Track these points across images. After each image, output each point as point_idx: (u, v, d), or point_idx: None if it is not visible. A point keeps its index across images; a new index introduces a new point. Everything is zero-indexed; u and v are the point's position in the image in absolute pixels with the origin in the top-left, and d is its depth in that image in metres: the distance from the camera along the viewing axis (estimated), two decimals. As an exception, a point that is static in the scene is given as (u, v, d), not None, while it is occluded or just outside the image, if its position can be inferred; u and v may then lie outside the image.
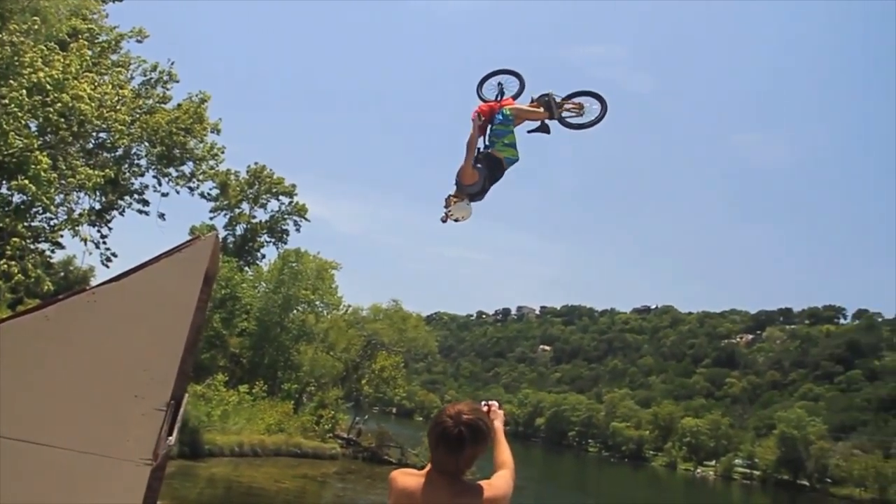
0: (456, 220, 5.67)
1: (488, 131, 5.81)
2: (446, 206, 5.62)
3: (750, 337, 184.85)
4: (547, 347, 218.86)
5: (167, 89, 31.19)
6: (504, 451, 3.14)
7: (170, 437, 3.50)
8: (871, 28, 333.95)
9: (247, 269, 48.28)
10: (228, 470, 27.82)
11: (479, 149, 5.71)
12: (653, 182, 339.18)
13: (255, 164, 51.61)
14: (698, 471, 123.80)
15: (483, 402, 3.34)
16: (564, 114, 6.05)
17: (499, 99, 6.16)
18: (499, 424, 3.27)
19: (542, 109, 6.04)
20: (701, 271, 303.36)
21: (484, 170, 5.61)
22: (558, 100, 6.05)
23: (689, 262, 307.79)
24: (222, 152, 33.23)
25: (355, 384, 48.33)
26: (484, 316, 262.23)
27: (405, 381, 56.37)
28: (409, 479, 2.90)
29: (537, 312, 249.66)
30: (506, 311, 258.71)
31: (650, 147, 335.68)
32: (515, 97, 6.20)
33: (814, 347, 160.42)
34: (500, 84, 6.31)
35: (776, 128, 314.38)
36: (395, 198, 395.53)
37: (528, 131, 6.04)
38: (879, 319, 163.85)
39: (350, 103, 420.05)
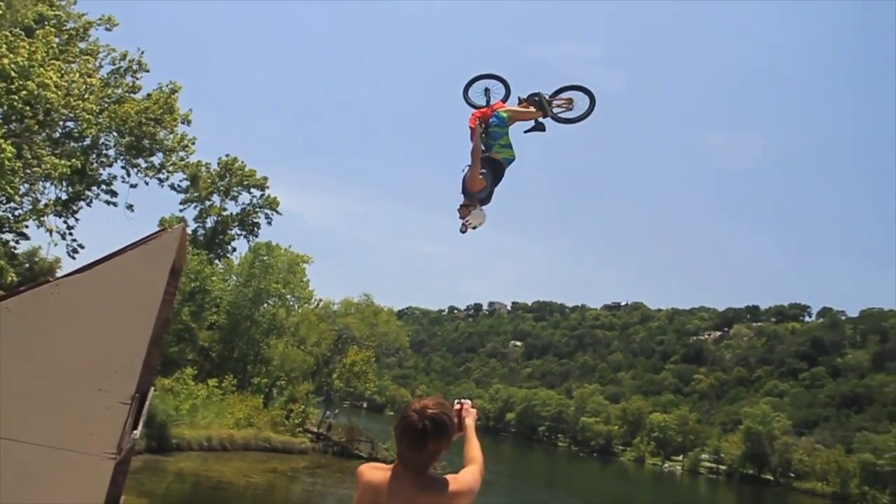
0: (474, 228, 5.75)
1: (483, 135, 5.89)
2: (462, 218, 5.70)
3: (718, 334, 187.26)
4: (518, 343, 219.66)
5: (137, 79, 30.76)
6: (474, 448, 3.18)
7: (135, 431, 3.46)
8: (840, 30, 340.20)
9: (217, 261, 47.76)
10: (197, 464, 27.57)
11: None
12: (624, 180, 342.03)
13: (227, 156, 51.05)
14: (666, 465, 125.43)
15: (456, 400, 3.40)
16: (555, 110, 6.15)
17: (489, 103, 6.24)
18: (470, 422, 3.31)
19: (533, 109, 6.12)
20: (671, 269, 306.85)
21: (488, 174, 5.70)
22: (547, 97, 6.13)
23: (660, 259, 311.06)
24: (193, 143, 32.92)
25: (326, 378, 48.14)
26: (455, 311, 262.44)
27: (376, 376, 56.34)
28: (375, 472, 2.91)
29: (508, 308, 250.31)
30: (477, 307, 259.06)
31: (622, 145, 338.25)
32: (504, 100, 6.27)
33: (779, 344, 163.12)
34: (486, 89, 6.37)
35: (746, 128, 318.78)
36: (368, 192, 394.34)
37: (525, 132, 6.14)
38: (843, 317, 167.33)
39: (322, 97, 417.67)
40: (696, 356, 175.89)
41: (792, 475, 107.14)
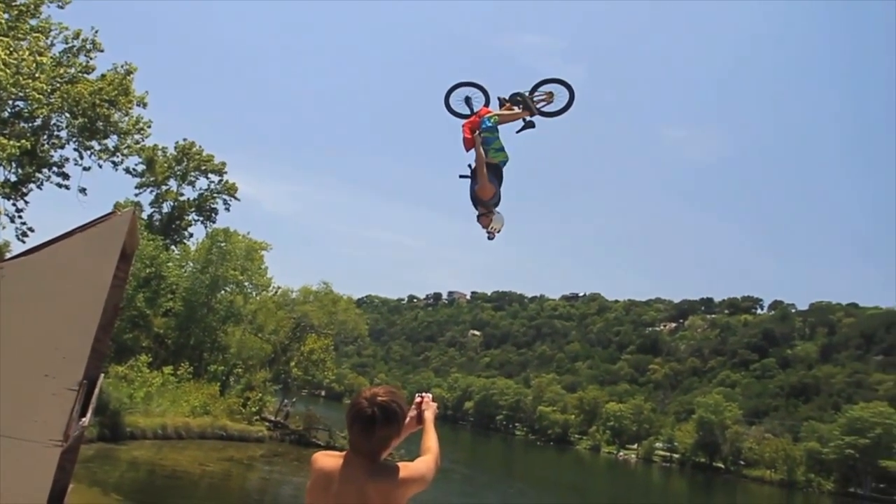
0: (498, 232, 5.92)
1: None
2: (485, 227, 5.85)
3: (673, 325, 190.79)
4: (477, 332, 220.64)
5: (90, 58, 29.79)
6: (430, 439, 3.24)
7: (83, 419, 3.39)
8: (802, 25, 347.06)
9: (173, 247, 47.01)
10: (151, 453, 27.20)
11: (470, 165, 5.90)
12: (584, 172, 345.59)
13: (184, 140, 50.20)
14: (621, 454, 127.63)
15: (417, 394, 3.53)
16: (538, 105, 6.23)
17: (473, 111, 6.31)
18: (429, 415, 3.42)
19: (518, 109, 6.21)
20: (628, 261, 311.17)
21: (494, 179, 5.80)
22: (527, 94, 6.22)
23: (617, 251, 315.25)
24: (149, 127, 32.16)
25: (284, 366, 47.81)
26: (415, 300, 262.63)
27: (334, 364, 56.09)
28: (328, 460, 2.95)
29: (468, 298, 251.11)
30: (437, 296, 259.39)
31: (581, 137, 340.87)
32: (485, 106, 6.34)
33: (732, 336, 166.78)
34: (467, 97, 6.43)
35: (706, 123, 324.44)
36: (328, 180, 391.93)
37: (517, 132, 6.20)
38: (793, 310, 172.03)
39: (282, 82, 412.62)
40: (652, 347, 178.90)
41: (742, 463, 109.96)
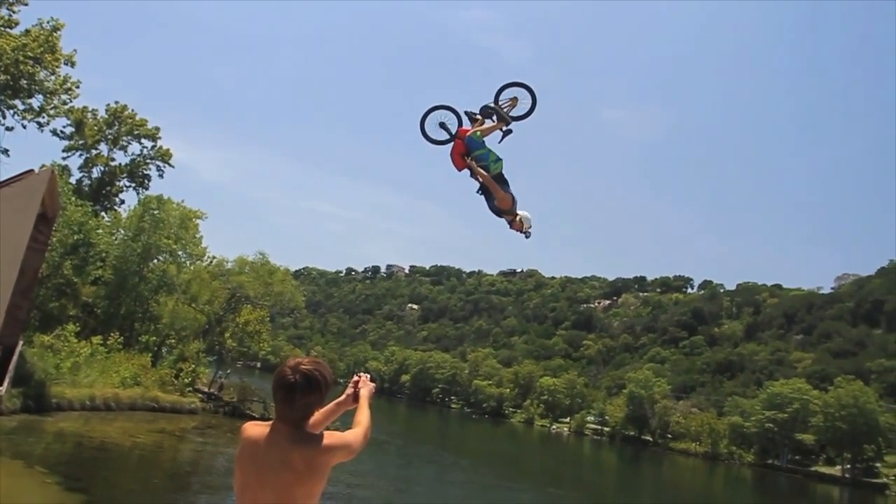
0: (531, 228, 6.21)
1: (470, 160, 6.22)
2: (520, 230, 6.16)
3: (607, 302, 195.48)
4: (415, 306, 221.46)
5: (13, 12, 28.41)
6: (362, 414, 3.33)
7: (0, 387, 3.26)
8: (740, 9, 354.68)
9: (103, 214, 45.49)
10: (78, 425, 26.44)
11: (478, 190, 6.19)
12: (521, 150, 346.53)
13: (116, 102, 48.51)
14: (554, 427, 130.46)
15: (356, 373, 3.67)
16: (508, 112, 6.43)
17: (452, 134, 6.44)
18: (365, 392, 3.52)
19: (493, 121, 6.39)
20: (565, 239, 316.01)
21: (506, 186, 6.10)
22: (494, 105, 6.42)
23: (555, 229, 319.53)
24: (77, 87, 30.94)
25: (218, 338, 47.02)
26: (353, 273, 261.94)
27: (270, 336, 55.44)
28: (256, 429, 3.01)
29: (406, 271, 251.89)
30: (375, 269, 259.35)
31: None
32: (461, 125, 6.49)
33: (663, 314, 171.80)
34: (441, 123, 6.51)
35: (642, 103, 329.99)
36: (266, 149, 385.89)
37: (499, 142, 6.38)
38: (721, 290, 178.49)
39: (219, 49, 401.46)
40: (586, 323, 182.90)
41: (669, 436, 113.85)
